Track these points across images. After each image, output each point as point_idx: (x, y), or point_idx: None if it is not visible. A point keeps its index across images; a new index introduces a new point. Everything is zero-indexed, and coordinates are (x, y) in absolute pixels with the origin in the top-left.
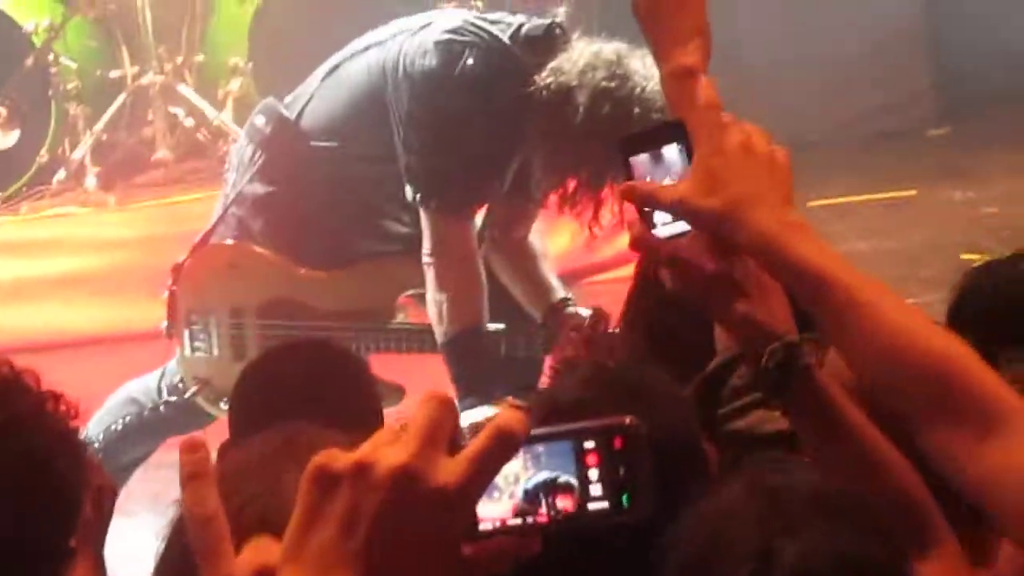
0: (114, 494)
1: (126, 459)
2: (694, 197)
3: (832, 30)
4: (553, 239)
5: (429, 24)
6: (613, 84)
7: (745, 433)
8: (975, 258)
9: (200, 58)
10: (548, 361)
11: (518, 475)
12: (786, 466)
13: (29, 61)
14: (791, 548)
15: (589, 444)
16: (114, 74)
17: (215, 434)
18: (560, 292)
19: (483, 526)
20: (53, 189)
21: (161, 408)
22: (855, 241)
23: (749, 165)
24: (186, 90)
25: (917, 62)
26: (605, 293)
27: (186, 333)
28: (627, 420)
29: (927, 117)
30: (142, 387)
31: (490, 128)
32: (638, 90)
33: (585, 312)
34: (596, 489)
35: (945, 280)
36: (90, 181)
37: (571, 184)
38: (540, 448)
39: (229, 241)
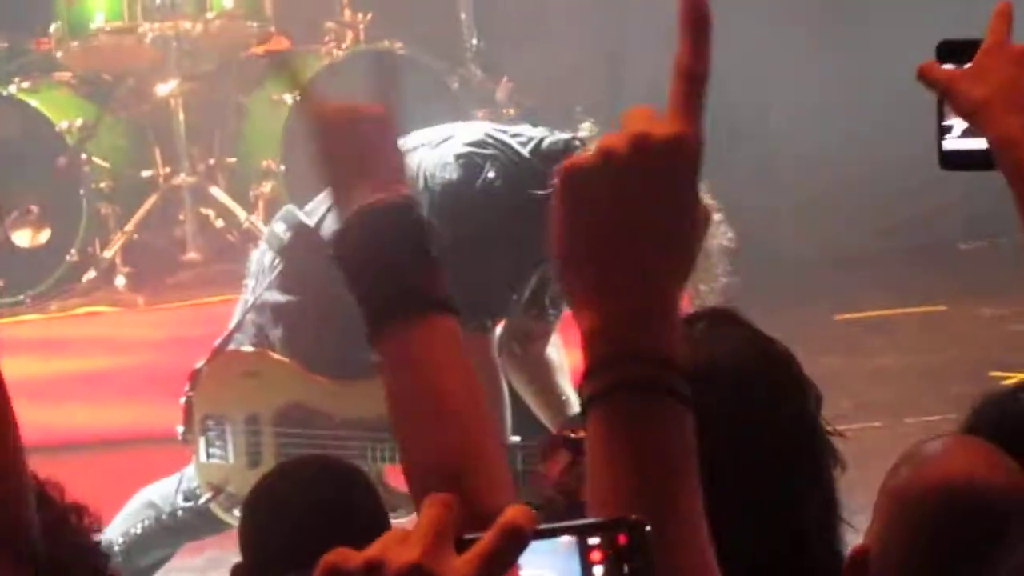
0: None
1: (145, 563)
2: (962, 81)
3: (864, 143)
4: (571, 351)
5: (450, 137)
6: None
7: None
8: (1003, 376)
9: (232, 160)
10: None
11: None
12: None
13: (62, 160)
14: None
15: (593, 540)
16: (146, 174)
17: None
18: (576, 407)
19: None
20: (82, 288)
21: (178, 513)
22: (885, 356)
23: (1018, 73)
24: (217, 192)
25: (948, 175)
26: None
27: (202, 439)
28: (632, 517)
29: (958, 230)
30: (160, 492)
31: (509, 242)
32: None
33: None
34: None
35: (972, 398)
36: (120, 280)
37: None
38: (543, 544)
39: (247, 348)
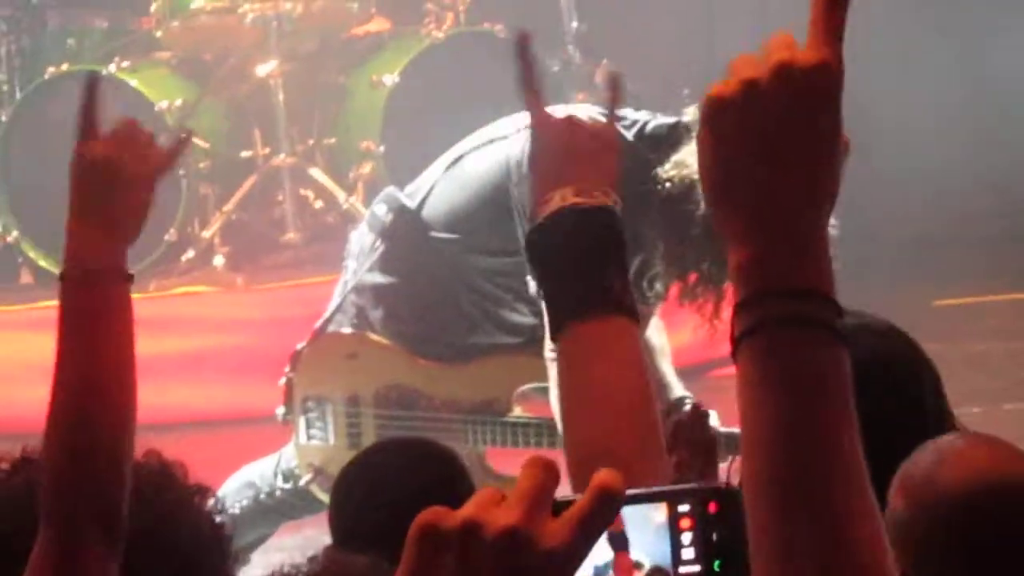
0: None
1: (243, 542)
2: None
3: (964, 127)
4: (674, 333)
5: None
6: None
7: None
8: None
9: (331, 141)
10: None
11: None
12: None
13: (161, 139)
14: None
15: (683, 507)
16: (245, 155)
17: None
18: (678, 390)
19: None
20: (181, 268)
21: (277, 493)
22: (983, 342)
23: None
24: (316, 172)
25: None
26: (726, 388)
27: (302, 420)
28: (721, 484)
29: None
30: (259, 471)
31: None
32: None
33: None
34: (688, 553)
35: None
36: (218, 260)
37: (692, 277)
38: (633, 510)
39: (347, 330)
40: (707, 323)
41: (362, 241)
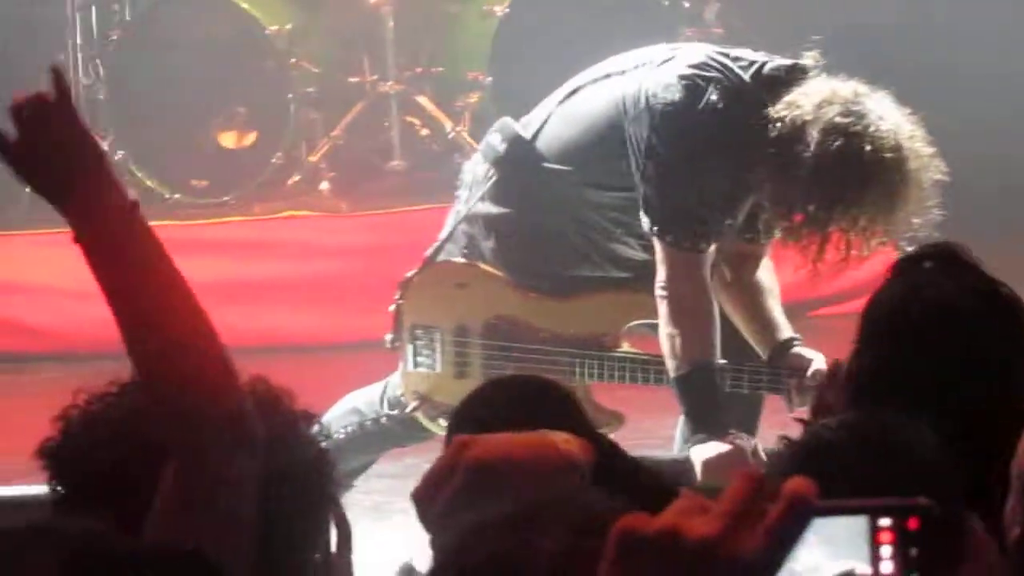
0: None
1: (347, 468)
2: None
3: None
4: (781, 274)
5: (672, 58)
6: (848, 120)
7: None
8: None
9: (440, 70)
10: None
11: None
12: None
13: (270, 63)
14: None
15: (884, 522)
16: (353, 80)
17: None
18: (787, 331)
19: None
20: (287, 191)
21: (383, 420)
22: None
23: None
24: (424, 101)
25: None
26: (827, 328)
27: (410, 348)
28: (923, 501)
29: None
30: (365, 398)
31: (727, 165)
32: (872, 128)
33: (810, 353)
34: (887, 567)
35: None
36: (324, 185)
37: (797, 218)
38: (831, 522)
39: (459, 259)
40: (810, 264)
41: (475, 170)
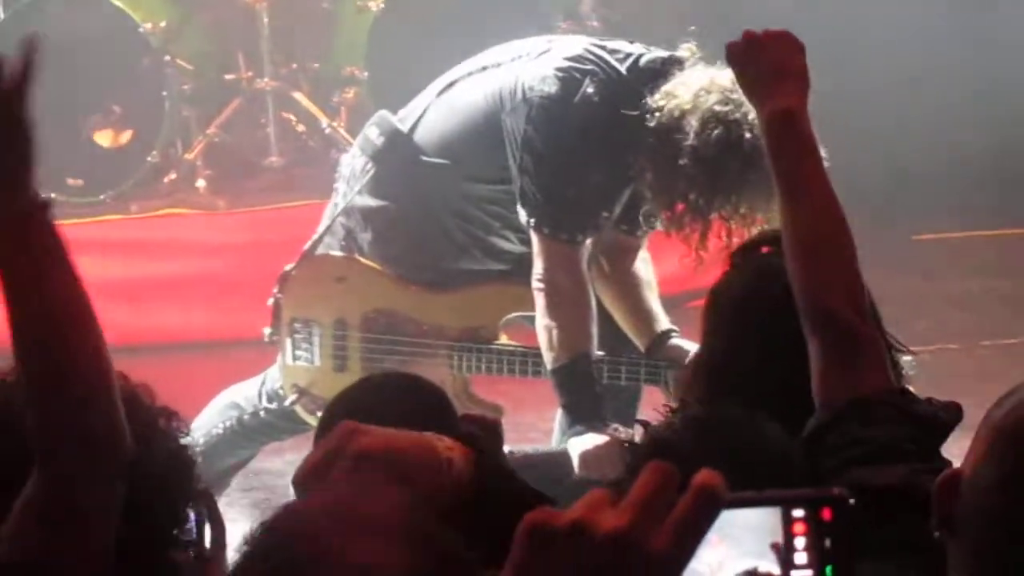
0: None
1: (225, 464)
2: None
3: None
4: (659, 262)
5: (548, 50)
6: (726, 108)
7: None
8: None
9: (316, 66)
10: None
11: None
12: None
13: (145, 61)
14: None
15: (798, 513)
16: (229, 77)
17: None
18: (664, 323)
19: None
20: (163, 189)
21: (261, 414)
22: (963, 279)
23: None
24: (300, 97)
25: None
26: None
27: (288, 341)
28: (836, 491)
29: None
30: (244, 393)
31: (605, 157)
32: (751, 115)
33: (688, 344)
34: (800, 558)
35: None
36: (200, 183)
37: (679, 207)
38: (743, 513)
39: (337, 253)
40: (693, 252)
41: (353, 164)
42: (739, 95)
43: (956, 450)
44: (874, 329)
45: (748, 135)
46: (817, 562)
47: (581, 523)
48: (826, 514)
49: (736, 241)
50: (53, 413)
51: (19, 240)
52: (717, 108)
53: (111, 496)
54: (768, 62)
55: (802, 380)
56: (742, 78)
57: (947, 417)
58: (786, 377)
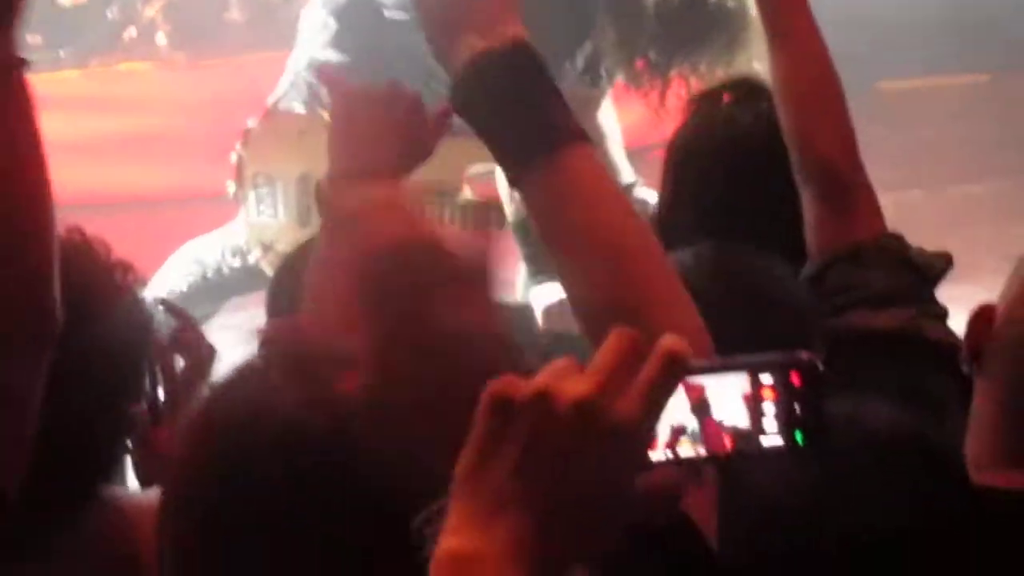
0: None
1: None
2: None
3: None
4: (622, 114)
5: None
6: None
7: (848, 330)
8: None
9: None
10: None
11: (689, 407)
12: None
13: None
14: None
15: (766, 378)
16: None
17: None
18: (628, 176)
19: (654, 456)
20: (124, 45)
21: (224, 270)
22: (926, 125)
23: None
24: None
25: None
26: None
27: (252, 196)
28: (805, 356)
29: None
30: (205, 248)
31: (564, 10)
32: None
33: (651, 194)
34: (770, 424)
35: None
36: (160, 38)
37: (639, 64)
38: (710, 379)
39: (300, 108)
40: (652, 110)
41: (314, 17)
42: None
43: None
44: (866, 176)
45: None
46: (786, 427)
47: (544, 391)
48: (795, 379)
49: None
50: None
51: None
52: None
53: (36, 368)
54: None
55: (740, 233)
56: None
57: (939, 263)
58: (726, 220)
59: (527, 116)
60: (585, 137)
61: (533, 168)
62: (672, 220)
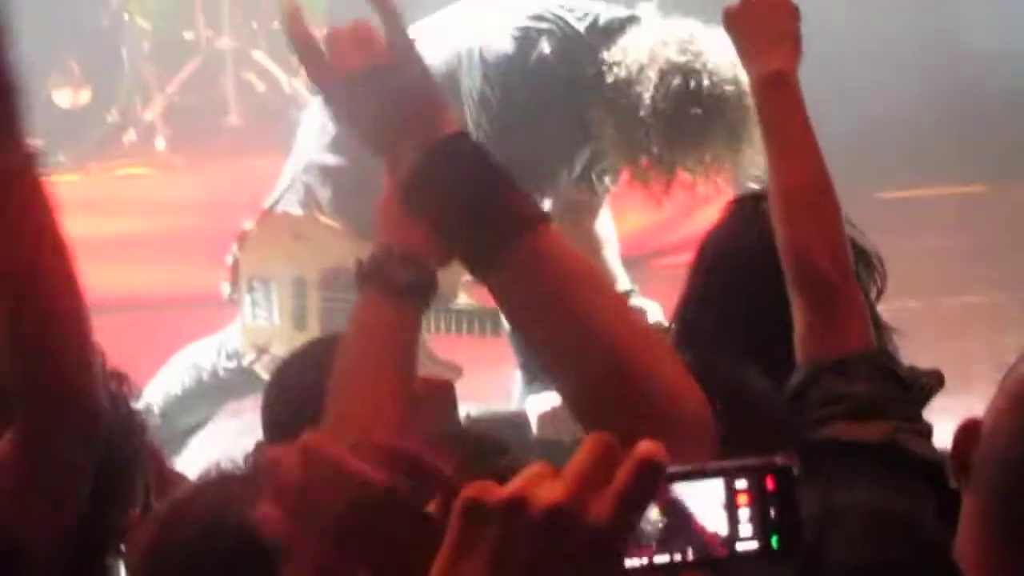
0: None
1: (184, 424)
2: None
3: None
4: (621, 220)
5: (509, 8)
6: (684, 58)
7: (830, 441)
8: None
9: (276, 24)
10: None
11: (660, 513)
12: None
13: (104, 20)
14: None
15: (741, 484)
16: (188, 36)
17: None
18: (624, 283)
19: (629, 563)
20: (123, 149)
21: (220, 373)
22: (926, 236)
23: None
24: (260, 55)
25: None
26: (672, 277)
27: (247, 300)
28: (779, 460)
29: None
30: (202, 352)
31: (563, 116)
32: (710, 64)
33: (647, 303)
34: (746, 529)
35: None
36: (160, 142)
37: (643, 162)
38: (686, 486)
39: (296, 210)
40: (657, 204)
41: (313, 120)
42: (697, 45)
43: (933, 416)
44: (858, 289)
45: (708, 82)
46: (762, 532)
47: (517, 498)
48: (769, 483)
49: (701, 191)
50: (32, 371)
51: (6, 194)
52: (675, 59)
53: (85, 459)
54: (764, 26)
55: (775, 330)
56: (738, 42)
57: (929, 382)
58: (758, 326)
59: (484, 208)
60: (546, 218)
61: (497, 261)
62: (695, 322)
